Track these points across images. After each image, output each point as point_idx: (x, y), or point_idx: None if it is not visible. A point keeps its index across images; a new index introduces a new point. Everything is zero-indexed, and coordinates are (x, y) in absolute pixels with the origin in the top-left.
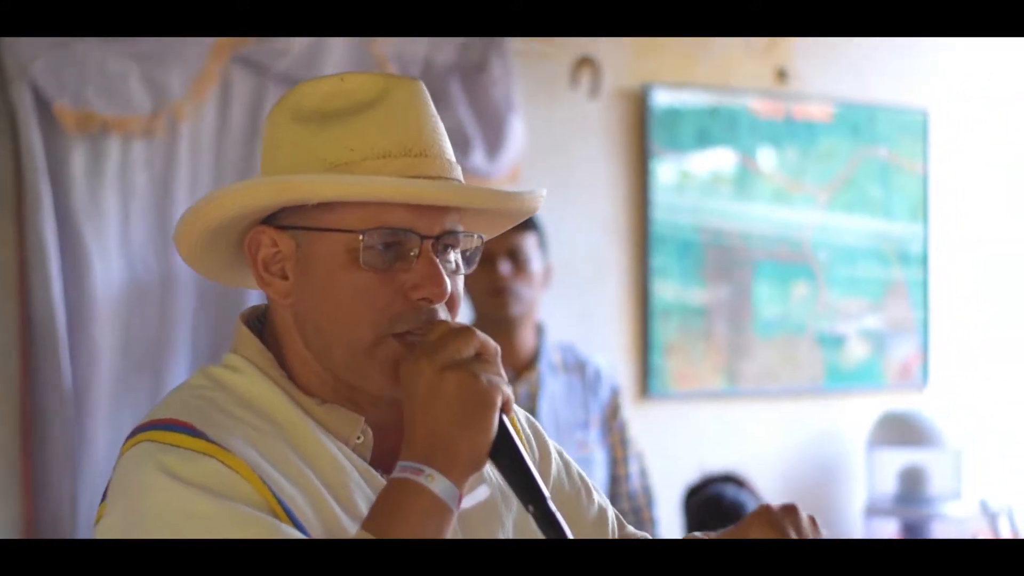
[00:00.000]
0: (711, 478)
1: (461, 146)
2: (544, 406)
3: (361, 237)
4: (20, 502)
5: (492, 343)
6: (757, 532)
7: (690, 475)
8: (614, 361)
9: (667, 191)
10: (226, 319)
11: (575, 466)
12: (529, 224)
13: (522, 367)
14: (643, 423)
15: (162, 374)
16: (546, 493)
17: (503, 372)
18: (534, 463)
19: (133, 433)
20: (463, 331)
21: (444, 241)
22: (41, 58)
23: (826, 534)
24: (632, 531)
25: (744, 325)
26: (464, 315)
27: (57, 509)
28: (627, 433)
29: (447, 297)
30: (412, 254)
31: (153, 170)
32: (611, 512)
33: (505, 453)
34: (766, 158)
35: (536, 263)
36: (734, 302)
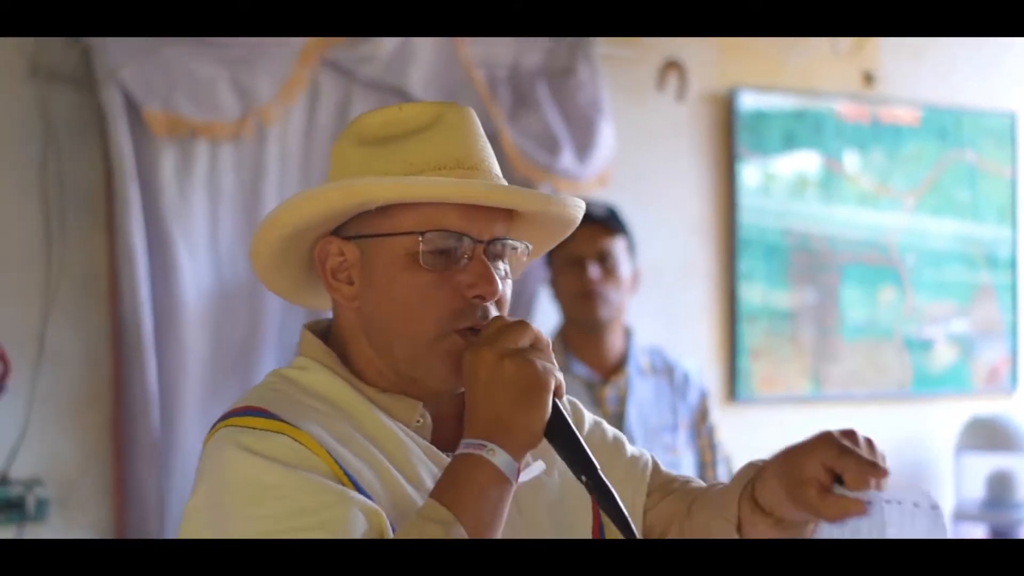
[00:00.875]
0: None
1: (550, 148)
2: (632, 409)
3: (420, 238)
4: (112, 504)
5: (544, 335)
6: (820, 451)
7: None
8: (701, 365)
9: (753, 194)
10: (315, 317)
11: (607, 426)
12: (618, 228)
13: (611, 370)
14: (730, 427)
15: (249, 376)
16: (597, 465)
17: (555, 360)
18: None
19: (215, 424)
20: (519, 323)
21: (494, 248)
22: (131, 63)
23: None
24: (668, 473)
25: (831, 329)
26: (552, 318)
27: (144, 511)
28: (716, 437)
29: (498, 296)
30: (466, 256)
31: (241, 173)
32: (646, 457)
33: (559, 431)
34: (852, 161)
35: (625, 267)
36: (821, 306)
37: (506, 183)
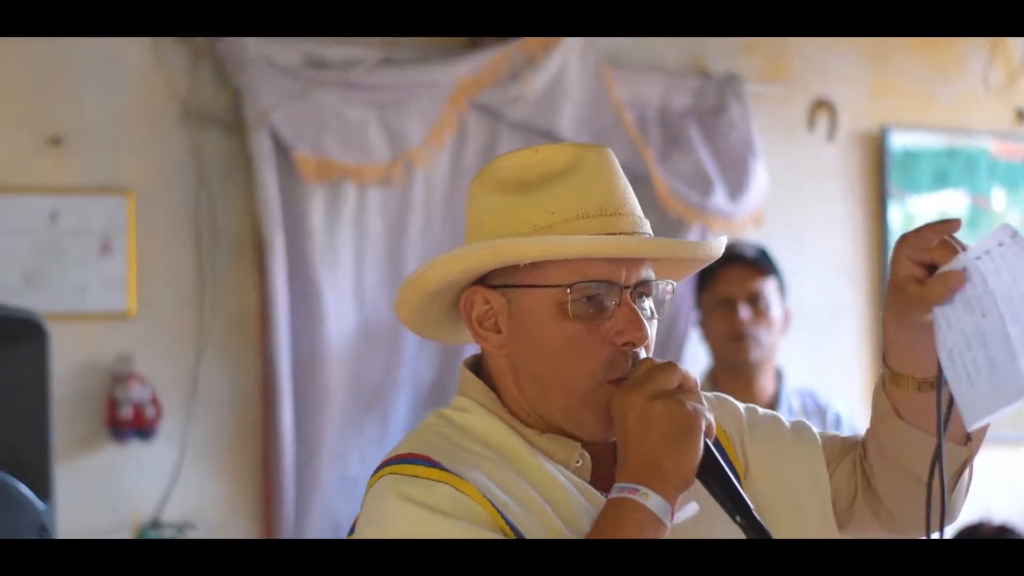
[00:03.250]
0: (982, 525)
1: (702, 187)
2: None
3: (568, 291)
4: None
5: (692, 375)
6: (900, 253)
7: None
8: (854, 406)
9: (901, 233)
10: (445, 360)
11: (759, 408)
12: (769, 269)
13: None
14: None
15: (388, 414)
16: (751, 504)
17: (704, 400)
18: (730, 433)
19: (376, 470)
20: (667, 365)
21: (640, 290)
22: (281, 106)
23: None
24: (833, 436)
25: None
26: (702, 360)
27: None
28: None
29: (647, 341)
30: (613, 303)
31: (388, 216)
32: (810, 429)
33: (711, 472)
34: (1000, 199)
35: (776, 308)
36: None
37: (648, 225)
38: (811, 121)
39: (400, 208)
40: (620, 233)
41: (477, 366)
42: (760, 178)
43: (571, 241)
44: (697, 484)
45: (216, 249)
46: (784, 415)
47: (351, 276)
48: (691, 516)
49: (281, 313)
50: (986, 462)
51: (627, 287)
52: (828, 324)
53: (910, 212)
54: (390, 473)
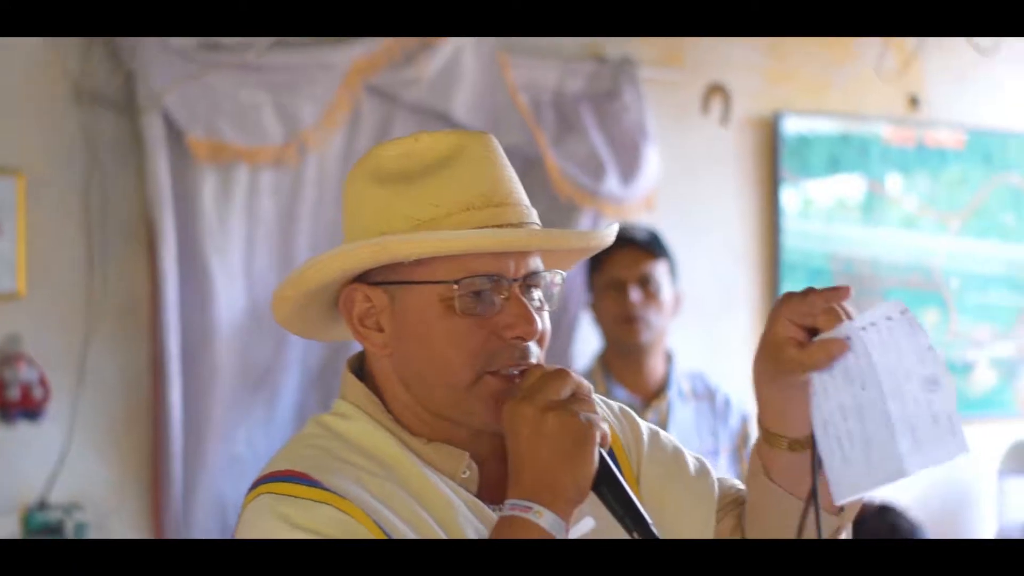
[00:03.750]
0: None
1: (594, 171)
2: (673, 433)
3: (455, 287)
4: (150, 528)
5: (586, 383)
6: (782, 312)
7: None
8: (744, 389)
9: (796, 218)
10: (334, 343)
11: (664, 434)
12: (660, 252)
13: (652, 394)
14: None
15: (276, 396)
16: (648, 519)
17: (597, 409)
18: (628, 446)
19: (253, 487)
20: (558, 373)
21: (529, 282)
22: (174, 89)
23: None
24: (733, 482)
25: None
26: (593, 342)
27: (176, 534)
28: None
29: (538, 334)
30: (502, 297)
31: (280, 198)
32: (711, 476)
33: (607, 485)
34: (896, 184)
35: (666, 291)
36: None
37: (535, 214)
38: (705, 106)
39: (292, 190)
40: (507, 225)
41: (360, 366)
42: (652, 162)
43: (458, 236)
44: (592, 497)
45: (107, 231)
46: (674, 397)
47: (241, 258)
48: (586, 532)
49: (171, 295)
50: None
51: (515, 280)
52: (720, 308)
53: (806, 197)
54: (267, 492)
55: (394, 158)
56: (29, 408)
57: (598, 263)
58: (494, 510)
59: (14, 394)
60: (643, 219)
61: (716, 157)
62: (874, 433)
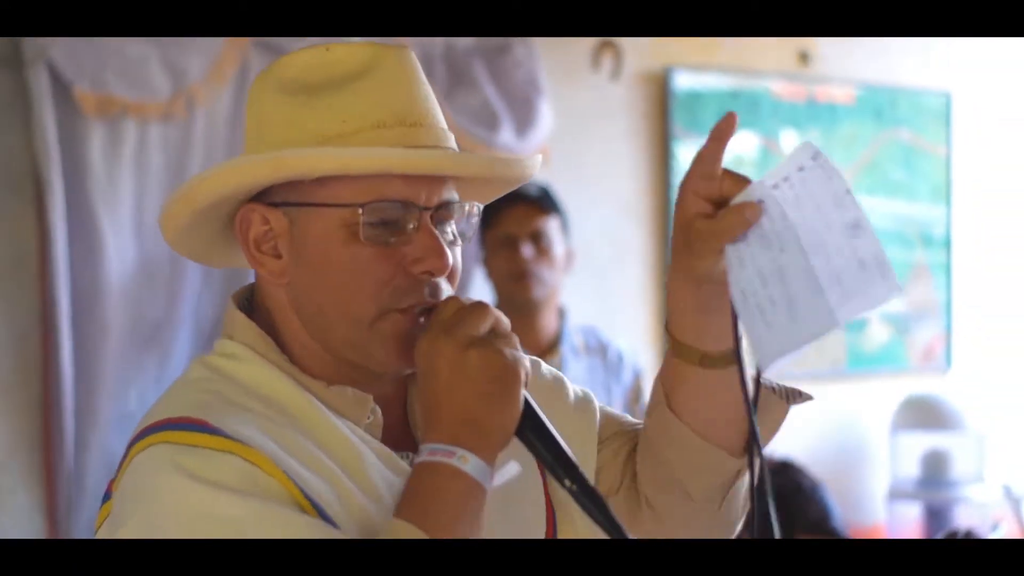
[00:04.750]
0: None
1: (488, 123)
2: None
3: (360, 211)
4: (42, 486)
5: (505, 317)
6: (684, 187)
7: None
8: (636, 345)
9: None
10: (230, 294)
11: (545, 365)
12: (551, 208)
13: (544, 350)
14: None
15: (168, 351)
16: (579, 466)
17: (519, 346)
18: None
19: (143, 435)
20: (477, 306)
21: (442, 213)
22: (60, 42)
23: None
24: (611, 416)
25: None
26: (486, 299)
27: (70, 495)
28: None
29: (449, 269)
30: (411, 227)
31: (168, 152)
32: (593, 404)
33: (533, 430)
34: (788, 141)
35: (558, 246)
36: None
37: (453, 139)
38: (596, 61)
39: (181, 145)
40: (420, 146)
41: (248, 302)
42: (544, 117)
43: (365, 154)
44: (515, 442)
45: None
46: (567, 352)
47: (131, 213)
48: (512, 477)
49: (60, 251)
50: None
51: (427, 209)
52: (612, 264)
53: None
54: (163, 442)
55: (302, 68)
56: None
57: (489, 219)
58: (403, 458)
59: None
60: (543, 170)
61: (607, 113)
62: (798, 292)
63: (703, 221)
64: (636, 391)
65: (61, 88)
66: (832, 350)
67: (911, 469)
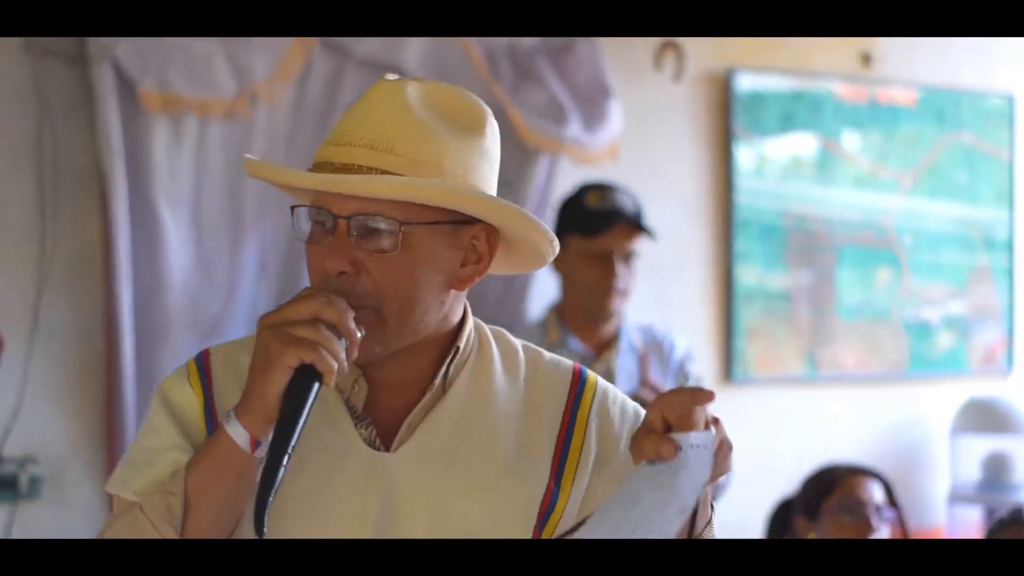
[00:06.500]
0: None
1: (556, 117)
2: (621, 385)
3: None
4: (105, 481)
5: (334, 312)
6: (659, 400)
7: (772, 459)
8: (696, 345)
9: (749, 176)
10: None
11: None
12: (644, 228)
13: (603, 346)
14: (725, 408)
15: None
16: (289, 450)
17: (332, 341)
18: (590, 450)
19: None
20: (300, 298)
21: (356, 222)
22: (125, 41)
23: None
24: None
25: (827, 310)
26: (546, 295)
27: None
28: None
29: (339, 271)
30: (328, 229)
31: (229, 150)
32: None
33: (286, 409)
34: (849, 142)
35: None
36: (817, 287)
37: (390, 156)
38: (658, 62)
39: (242, 142)
40: (330, 162)
41: None
42: (614, 112)
43: (262, 166)
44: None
45: (58, 182)
46: (625, 349)
47: (191, 210)
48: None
49: (122, 247)
50: (829, 402)
51: (340, 217)
52: (674, 264)
53: (761, 154)
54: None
55: None
56: None
57: (587, 227)
58: (364, 426)
59: None
60: (607, 169)
61: (669, 113)
62: (638, 519)
63: (642, 433)
64: (684, 373)
65: (126, 86)
66: (893, 353)
67: (972, 472)
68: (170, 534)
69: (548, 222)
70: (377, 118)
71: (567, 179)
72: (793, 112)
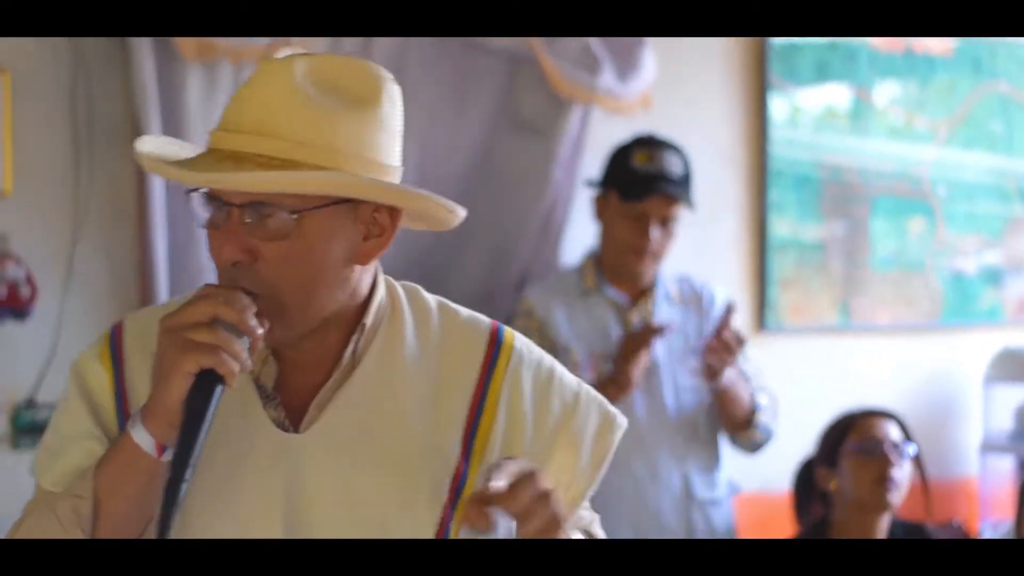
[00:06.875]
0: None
1: (590, 66)
2: (664, 340)
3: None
4: None
5: (232, 313)
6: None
7: (804, 408)
8: (731, 293)
9: (784, 125)
10: None
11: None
12: (687, 197)
13: (640, 294)
14: (759, 356)
15: None
16: (186, 476)
17: (231, 343)
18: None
19: None
20: (203, 298)
21: (250, 209)
22: None
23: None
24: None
25: (860, 260)
26: (584, 242)
27: None
28: (747, 367)
29: (233, 259)
30: (222, 217)
31: None
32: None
33: (187, 416)
34: (884, 92)
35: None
36: (850, 237)
37: (276, 141)
38: None
39: None
40: (213, 150)
41: None
42: (648, 61)
43: (150, 155)
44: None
45: (93, 130)
46: (661, 299)
47: None
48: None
49: (157, 194)
50: (862, 352)
51: (232, 204)
52: (708, 214)
53: (795, 104)
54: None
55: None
56: (16, 307)
57: (630, 193)
58: (272, 407)
59: (1, 293)
60: (639, 119)
61: (704, 63)
62: None
63: (474, 496)
64: (726, 322)
65: None
66: (927, 303)
67: (1005, 422)
68: (79, 537)
69: (583, 171)
70: (261, 102)
71: (600, 128)
72: (828, 61)
